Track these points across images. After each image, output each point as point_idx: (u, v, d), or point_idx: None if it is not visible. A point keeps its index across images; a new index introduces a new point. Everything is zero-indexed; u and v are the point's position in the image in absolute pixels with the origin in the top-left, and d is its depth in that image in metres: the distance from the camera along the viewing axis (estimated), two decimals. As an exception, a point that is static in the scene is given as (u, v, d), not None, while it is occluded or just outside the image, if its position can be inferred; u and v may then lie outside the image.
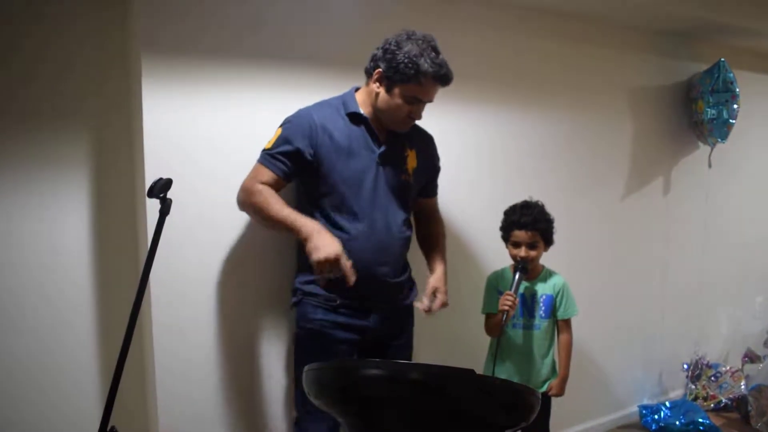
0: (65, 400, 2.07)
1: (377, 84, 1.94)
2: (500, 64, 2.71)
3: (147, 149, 1.95)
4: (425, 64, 1.86)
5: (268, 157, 1.94)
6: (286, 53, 2.16)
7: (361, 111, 1.99)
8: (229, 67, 2.06)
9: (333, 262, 1.79)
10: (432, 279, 2.13)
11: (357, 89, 2.06)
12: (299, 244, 1.95)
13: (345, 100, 2.02)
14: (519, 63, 2.77)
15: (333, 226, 1.94)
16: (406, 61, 1.86)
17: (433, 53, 1.88)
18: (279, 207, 1.88)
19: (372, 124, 2.00)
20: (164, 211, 1.59)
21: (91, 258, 2.09)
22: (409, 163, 2.08)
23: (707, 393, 3.53)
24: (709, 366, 3.61)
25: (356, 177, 1.96)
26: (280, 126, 1.98)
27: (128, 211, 2.15)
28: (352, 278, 1.83)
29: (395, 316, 2.11)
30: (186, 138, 2.01)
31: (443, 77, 1.91)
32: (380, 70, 1.91)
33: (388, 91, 1.93)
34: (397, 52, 1.87)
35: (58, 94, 2.01)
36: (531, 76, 2.83)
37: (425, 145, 2.18)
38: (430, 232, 2.26)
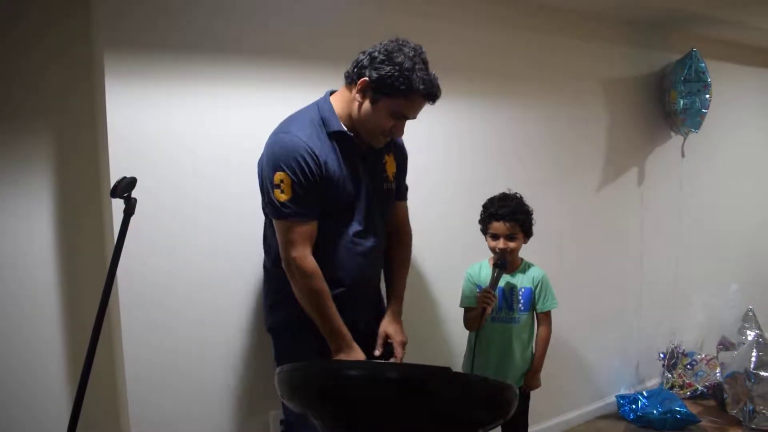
0: (31, 403, 2.02)
1: (360, 94, 1.81)
2: (471, 56, 2.69)
3: (111, 148, 1.91)
4: (417, 81, 1.75)
5: (291, 209, 1.77)
6: (258, 49, 2.13)
7: (344, 128, 1.86)
8: (197, 63, 2.02)
9: None
10: (386, 324, 2.03)
11: (332, 93, 1.92)
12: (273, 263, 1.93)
13: (323, 115, 1.86)
14: (490, 55, 2.76)
15: (336, 241, 1.88)
16: (396, 74, 1.74)
17: (424, 68, 1.78)
18: (333, 309, 1.82)
19: (354, 139, 1.88)
20: (129, 211, 1.55)
21: (57, 260, 2.05)
22: (389, 169, 2.02)
23: (683, 381, 3.57)
24: (684, 354, 3.65)
25: (353, 197, 1.89)
26: (277, 170, 1.77)
27: (94, 212, 2.11)
28: None
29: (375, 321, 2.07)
30: (152, 136, 1.97)
31: (432, 96, 1.81)
32: (366, 79, 1.77)
33: (373, 102, 1.80)
34: (387, 63, 1.75)
35: (20, 94, 1.95)
36: (502, 68, 2.82)
37: (398, 148, 2.09)
38: (395, 256, 2.12)
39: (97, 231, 2.10)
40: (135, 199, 1.57)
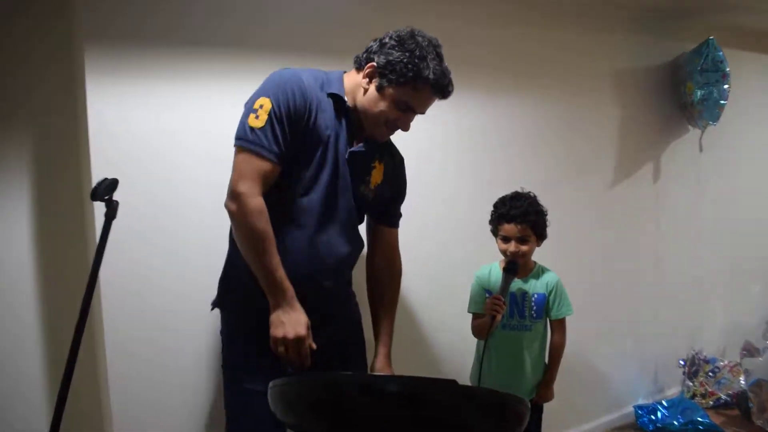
0: (11, 411, 2.02)
1: (367, 79, 1.78)
2: (480, 49, 2.67)
3: (93, 148, 1.89)
4: (426, 70, 1.72)
5: (257, 138, 1.67)
6: (246, 41, 2.11)
7: (346, 99, 1.82)
8: (183, 57, 2.00)
9: (291, 344, 1.67)
10: (381, 368, 1.98)
11: (344, 73, 1.88)
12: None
13: (330, 78, 1.82)
14: (499, 47, 2.75)
15: (281, 212, 1.76)
16: (405, 60, 1.72)
17: (437, 59, 1.75)
18: (276, 259, 1.69)
19: (353, 118, 1.83)
20: (110, 214, 1.52)
21: (37, 266, 2.04)
22: (373, 176, 1.92)
23: (705, 390, 3.55)
24: (706, 361, 3.63)
25: (324, 168, 1.80)
26: (263, 95, 1.70)
27: (76, 215, 2.09)
28: (305, 364, 1.70)
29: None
30: (136, 135, 1.95)
31: (443, 89, 1.77)
32: (374, 64, 1.76)
33: (379, 89, 1.77)
34: (397, 49, 1.73)
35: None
36: (512, 61, 2.80)
37: (395, 165, 2.02)
38: (384, 295, 2.07)
39: (79, 235, 2.08)
40: (117, 202, 1.54)
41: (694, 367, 3.60)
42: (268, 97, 1.69)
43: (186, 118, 2.03)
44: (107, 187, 1.51)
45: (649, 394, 3.54)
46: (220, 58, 2.07)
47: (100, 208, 1.60)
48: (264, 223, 1.67)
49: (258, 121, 1.68)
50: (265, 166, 1.68)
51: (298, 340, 1.66)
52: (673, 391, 3.64)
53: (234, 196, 1.68)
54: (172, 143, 2.01)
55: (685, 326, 3.65)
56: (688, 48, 3.43)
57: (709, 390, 3.55)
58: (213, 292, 1.91)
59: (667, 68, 3.46)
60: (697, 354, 3.61)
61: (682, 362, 3.61)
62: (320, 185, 1.78)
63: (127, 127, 1.94)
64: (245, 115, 1.71)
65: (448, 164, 2.67)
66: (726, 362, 3.64)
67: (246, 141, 1.68)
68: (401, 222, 2.10)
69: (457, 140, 2.68)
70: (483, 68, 2.70)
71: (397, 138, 1.97)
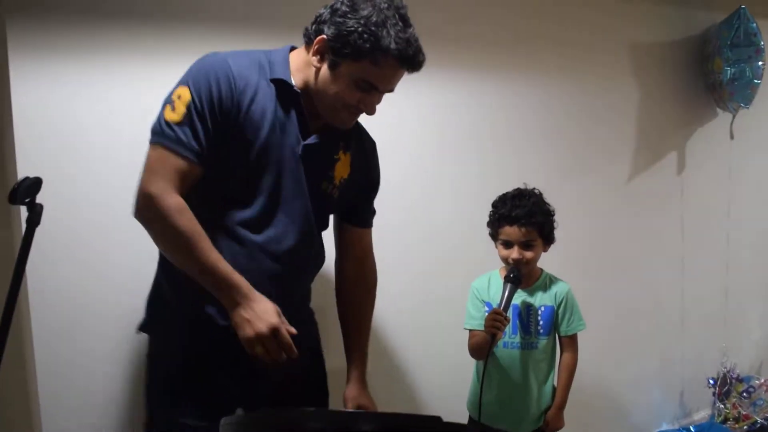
0: None
1: (317, 57, 1.70)
2: (479, 21, 2.68)
3: (18, 142, 1.90)
4: (387, 38, 1.62)
5: (174, 134, 1.63)
6: (195, 13, 2.11)
7: (293, 82, 1.75)
8: (124, 33, 2.02)
9: (267, 339, 1.62)
10: (356, 395, 1.95)
11: (293, 49, 1.83)
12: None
13: (272, 59, 1.76)
14: (502, 20, 2.76)
15: (216, 227, 1.72)
16: (360, 29, 1.62)
17: (401, 24, 1.66)
18: (214, 253, 1.64)
19: (303, 105, 1.77)
20: (33, 219, 1.47)
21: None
22: (338, 170, 1.88)
23: (738, 413, 3.54)
24: (739, 380, 3.63)
25: (264, 171, 1.74)
26: (182, 84, 1.66)
27: (2, 220, 2.01)
28: (293, 354, 1.66)
29: None
30: (67, 125, 1.97)
31: (410, 59, 1.67)
32: (324, 37, 1.67)
33: (332, 68, 1.69)
34: (350, 16, 1.63)
35: None
36: (517, 35, 2.82)
37: (364, 152, 1.97)
38: (356, 304, 2.06)
39: (7, 245, 2.01)
40: (40, 205, 1.49)
41: (725, 387, 3.59)
42: (187, 86, 1.64)
43: (129, 102, 2.03)
44: (28, 189, 1.45)
45: (675, 418, 3.56)
46: (169, 34, 2.08)
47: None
48: (188, 220, 1.62)
49: (175, 114, 1.63)
50: (182, 164, 1.63)
51: (274, 331, 1.61)
52: (702, 415, 3.65)
53: (144, 198, 1.63)
54: (114, 132, 2.02)
55: (714, 341, 3.65)
56: (717, 19, 3.42)
57: (743, 413, 3.53)
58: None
59: (692, 43, 3.47)
60: (728, 372, 3.60)
61: (711, 381, 3.60)
62: (262, 191, 1.73)
63: (58, 115, 1.94)
64: (162, 107, 1.66)
65: (441, 156, 2.67)
66: (762, 381, 3.64)
67: (160, 136, 1.64)
68: (376, 220, 2.07)
69: (451, 129, 2.68)
70: (476, 43, 2.70)
71: (377, 123, 1.91)
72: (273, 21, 2.16)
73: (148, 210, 1.63)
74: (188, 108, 1.62)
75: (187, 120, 1.63)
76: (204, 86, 1.63)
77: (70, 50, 1.92)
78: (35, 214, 1.48)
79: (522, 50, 2.85)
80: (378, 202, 2.06)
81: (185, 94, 1.63)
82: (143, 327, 1.87)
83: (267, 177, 1.73)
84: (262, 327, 1.60)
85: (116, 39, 1.99)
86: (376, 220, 2.07)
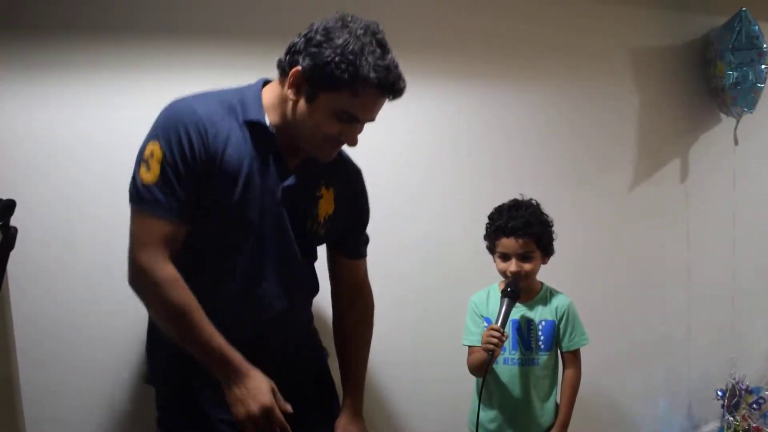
0: None
1: (293, 90, 1.64)
2: (474, 27, 2.67)
3: None
4: (365, 66, 1.56)
5: (151, 195, 1.59)
6: (175, 28, 2.12)
7: (267, 121, 1.70)
8: (101, 50, 2.01)
9: (260, 419, 1.60)
10: (346, 425, 1.94)
11: (266, 83, 1.78)
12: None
13: (244, 98, 1.71)
14: (500, 26, 2.75)
15: (189, 280, 1.65)
16: (337, 59, 1.56)
17: (378, 50, 1.60)
18: (209, 328, 1.61)
19: (280, 144, 1.73)
20: (7, 244, 1.45)
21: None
22: (321, 207, 1.84)
23: (749, 425, 3.49)
24: (749, 391, 3.56)
25: (246, 219, 1.70)
26: (152, 139, 1.62)
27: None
28: None
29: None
30: (44, 144, 1.96)
31: (390, 86, 1.62)
32: (299, 69, 1.61)
33: (309, 100, 1.63)
34: (325, 46, 1.57)
35: None
36: (515, 42, 2.81)
37: (349, 183, 1.93)
38: (352, 333, 2.04)
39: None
40: (15, 228, 1.48)
41: (734, 398, 3.53)
42: (158, 141, 1.59)
43: (111, 121, 2.03)
44: (1, 211, 1.42)
45: (682, 431, 3.53)
46: (150, 47, 2.07)
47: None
48: (180, 291, 1.59)
49: (149, 175, 1.58)
50: (166, 228, 1.60)
51: (266, 412, 1.59)
52: (710, 427, 3.62)
53: (135, 271, 1.61)
54: (95, 149, 2.01)
55: (722, 351, 3.62)
56: (718, 23, 3.41)
57: (753, 425, 3.48)
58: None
59: (694, 47, 3.45)
60: (737, 383, 3.54)
61: (720, 393, 3.54)
62: (244, 237, 1.71)
63: (35, 133, 1.93)
64: (136, 166, 1.63)
65: (437, 168, 2.66)
66: (772, 391, 3.62)
67: (140, 202, 1.60)
68: (375, 241, 2.04)
69: (446, 140, 2.67)
70: (480, 52, 2.70)
71: (370, 133, 1.84)
72: (256, 34, 2.16)
73: (140, 283, 1.62)
74: (161, 166, 1.58)
75: (163, 179, 1.58)
76: (174, 139, 1.59)
77: (45, 69, 1.92)
78: (10, 237, 1.48)
79: (521, 56, 2.85)
80: (373, 210, 2.03)
81: (156, 150, 1.59)
82: (149, 380, 1.88)
83: (247, 223, 1.70)
84: (254, 407, 1.59)
85: (93, 56, 1.98)
86: (370, 231, 2.04)
